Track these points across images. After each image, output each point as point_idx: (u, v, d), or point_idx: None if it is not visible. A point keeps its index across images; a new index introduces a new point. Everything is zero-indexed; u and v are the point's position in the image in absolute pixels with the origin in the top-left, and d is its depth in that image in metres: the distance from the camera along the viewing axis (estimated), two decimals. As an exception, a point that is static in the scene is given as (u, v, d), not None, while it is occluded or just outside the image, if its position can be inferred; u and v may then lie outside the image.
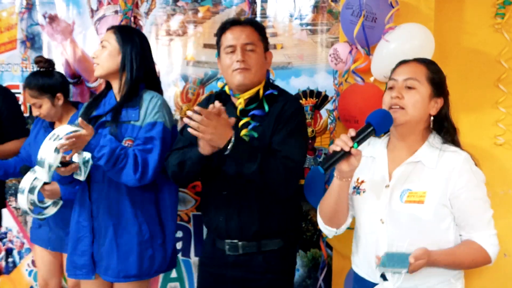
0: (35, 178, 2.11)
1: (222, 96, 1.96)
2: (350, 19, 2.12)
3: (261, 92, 1.90)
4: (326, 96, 2.55)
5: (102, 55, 2.14)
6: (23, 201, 2.06)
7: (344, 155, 1.43)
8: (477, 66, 2.20)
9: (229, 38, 1.88)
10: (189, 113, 1.64)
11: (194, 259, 2.84)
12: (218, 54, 1.95)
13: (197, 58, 2.79)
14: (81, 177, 2.02)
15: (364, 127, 1.48)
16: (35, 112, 2.52)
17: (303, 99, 2.58)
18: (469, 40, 2.23)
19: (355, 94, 2.16)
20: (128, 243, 2.09)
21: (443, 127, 1.61)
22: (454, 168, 1.53)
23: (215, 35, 1.98)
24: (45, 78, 2.50)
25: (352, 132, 1.45)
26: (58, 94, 2.51)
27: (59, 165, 1.94)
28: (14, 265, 3.27)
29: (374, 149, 1.68)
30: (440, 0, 2.19)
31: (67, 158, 1.96)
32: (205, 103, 1.99)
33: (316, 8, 2.55)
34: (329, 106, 2.53)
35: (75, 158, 1.98)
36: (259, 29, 1.94)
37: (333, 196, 1.58)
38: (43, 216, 2.28)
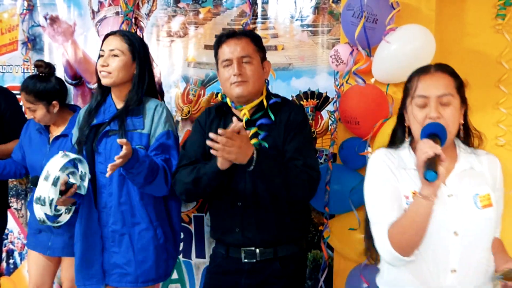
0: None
1: (223, 108, 1.96)
2: (351, 20, 2.12)
3: (265, 102, 1.91)
4: (327, 97, 2.54)
5: (115, 64, 2.08)
6: (39, 210, 2.06)
7: (437, 159, 1.33)
8: (478, 67, 2.20)
9: (225, 52, 1.88)
10: (212, 135, 1.62)
11: (195, 261, 2.83)
12: (217, 67, 1.96)
13: (198, 59, 2.80)
14: (82, 191, 2.01)
15: (434, 140, 1.38)
16: (29, 116, 2.48)
17: (304, 100, 2.58)
18: (470, 41, 2.23)
19: (356, 95, 2.16)
20: (145, 249, 2.09)
21: (470, 134, 1.58)
22: (497, 169, 1.55)
23: (213, 47, 1.98)
24: (43, 84, 2.44)
25: (429, 142, 1.37)
26: (54, 102, 2.45)
27: (59, 196, 1.92)
28: (15, 266, 3.27)
29: (404, 161, 1.54)
30: (441, 2, 2.19)
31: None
32: (205, 117, 1.99)
33: (317, 9, 2.55)
34: (330, 107, 2.53)
35: (72, 179, 1.96)
36: (255, 40, 1.93)
37: (421, 222, 1.39)
38: (59, 224, 2.25)
